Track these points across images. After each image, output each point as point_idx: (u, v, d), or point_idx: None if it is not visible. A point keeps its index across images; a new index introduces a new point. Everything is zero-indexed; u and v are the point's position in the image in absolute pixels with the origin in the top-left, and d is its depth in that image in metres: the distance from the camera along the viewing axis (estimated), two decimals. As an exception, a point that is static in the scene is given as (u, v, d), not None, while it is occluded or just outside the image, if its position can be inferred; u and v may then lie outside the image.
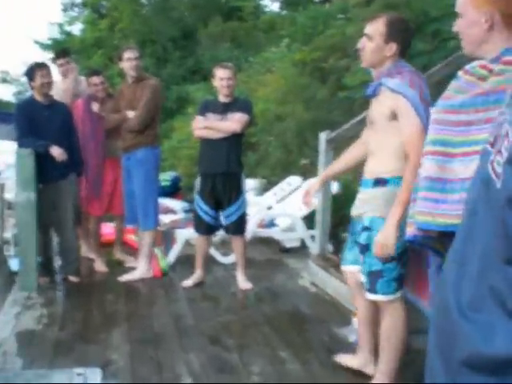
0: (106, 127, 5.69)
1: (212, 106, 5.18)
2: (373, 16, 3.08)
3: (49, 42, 22.60)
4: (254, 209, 6.83)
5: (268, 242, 6.65)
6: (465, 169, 2.09)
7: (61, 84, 5.96)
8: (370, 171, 3.10)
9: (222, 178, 5.10)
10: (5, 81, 28.66)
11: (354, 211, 3.21)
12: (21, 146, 5.14)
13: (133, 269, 5.64)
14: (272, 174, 8.89)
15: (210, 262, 5.72)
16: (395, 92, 2.87)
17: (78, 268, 5.53)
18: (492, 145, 1.19)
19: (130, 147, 5.45)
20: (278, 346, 3.93)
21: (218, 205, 5.20)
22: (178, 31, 18.41)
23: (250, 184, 7.85)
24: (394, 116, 2.91)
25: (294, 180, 7.61)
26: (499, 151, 1.14)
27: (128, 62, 5.38)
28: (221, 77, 5.07)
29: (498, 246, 1.10)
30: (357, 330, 4.02)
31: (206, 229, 5.29)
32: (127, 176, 5.55)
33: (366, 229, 3.05)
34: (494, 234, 1.11)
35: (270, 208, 7.24)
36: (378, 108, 3.01)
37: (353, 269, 3.31)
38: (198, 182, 5.27)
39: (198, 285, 5.31)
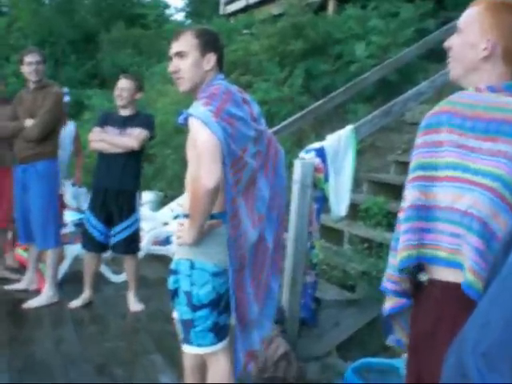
0: (1, 135, 5.18)
1: (111, 120, 4.90)
2: (175, 35, 2.64)
3: None
4: (149, 224, 6.62)
5: (162, 259, 6.41)
6: None
7: None
8: (184, 206, 2.72)
9: (114, 194, 4.84)
10: None
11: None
12: None
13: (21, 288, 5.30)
14: (169, 188, 8.68)
15: (99, 280, 5.45)
16: (190, 116, 2.42)
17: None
18: None
19: (27, 158, 4.94)
20: (170, 376, 3.76)
21: (109, 221, 4.93)
22: (79, 34, 17.87)
23: (145, 197, 7.62)
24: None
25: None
26: None
27: (28, 66, 4.92)
28: (119, 86, 4.83)
29: None
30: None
31: (95, 245, 4.99)
32: (22, 190, 5.05)
33: (173, 272, 2.65)
34: None
35: (165, 224, 7.02)
36: (189, 137, 2.56)
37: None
38: (89, 195, 5.01)
39: (87, 305, 5.03)
